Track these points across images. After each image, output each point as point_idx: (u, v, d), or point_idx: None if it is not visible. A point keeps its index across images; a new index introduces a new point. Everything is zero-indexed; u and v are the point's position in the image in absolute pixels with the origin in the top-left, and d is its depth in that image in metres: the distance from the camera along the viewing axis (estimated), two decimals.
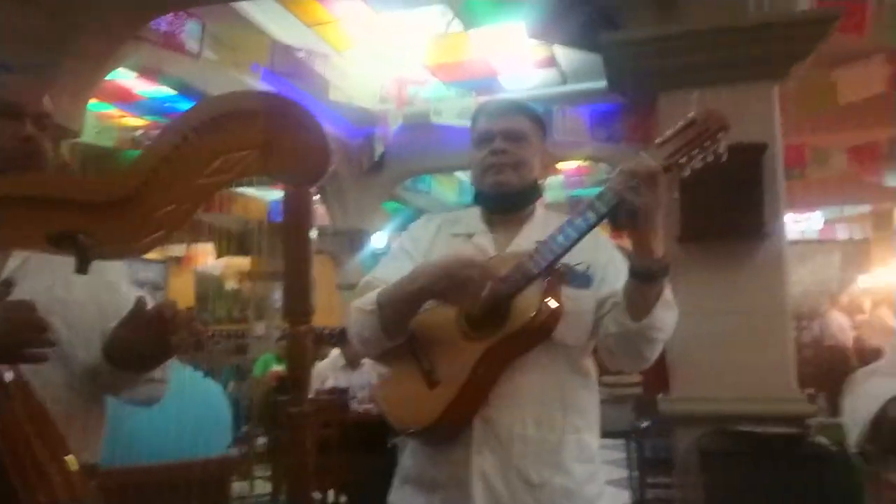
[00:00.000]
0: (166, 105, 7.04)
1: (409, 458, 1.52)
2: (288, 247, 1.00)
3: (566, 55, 6.71)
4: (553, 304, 1.37)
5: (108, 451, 1.38)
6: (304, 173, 0.99)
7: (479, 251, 1.51)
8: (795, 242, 13.88)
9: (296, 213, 0.99)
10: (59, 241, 0.97)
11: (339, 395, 4.21)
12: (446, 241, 1.59)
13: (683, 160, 1.32)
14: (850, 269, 14.03)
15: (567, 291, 1.40)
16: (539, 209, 1.62)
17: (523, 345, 1.39)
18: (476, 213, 1.62)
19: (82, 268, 0.99)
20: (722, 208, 3.13)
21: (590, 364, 1.53)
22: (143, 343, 1.16)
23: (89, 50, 4.68)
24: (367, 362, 5.38)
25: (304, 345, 0.98)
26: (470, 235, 1.58)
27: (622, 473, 4.90)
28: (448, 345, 1.40)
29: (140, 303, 1.17)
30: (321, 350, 8.18)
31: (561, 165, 9.29)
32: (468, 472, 1.39)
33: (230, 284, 13.01)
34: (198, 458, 2.23)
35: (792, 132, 6.16)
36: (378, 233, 10.39)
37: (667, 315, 1.39)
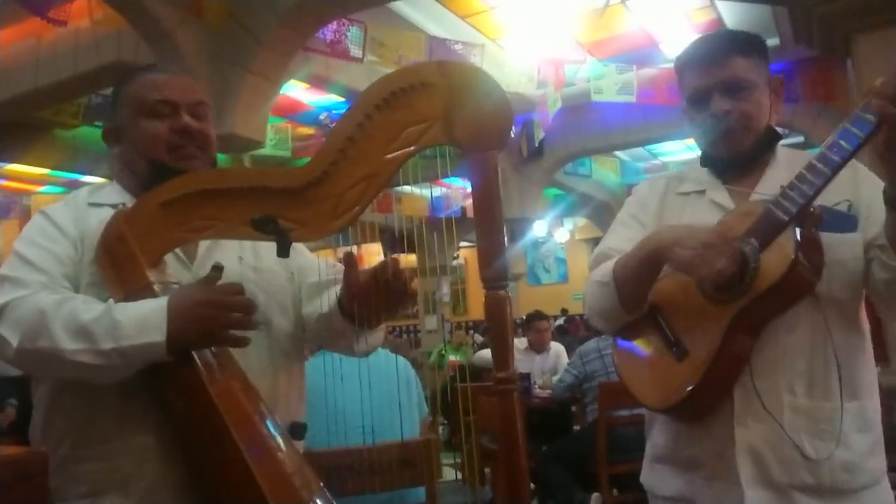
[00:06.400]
0: (334, 113, 7.43)
1: (660, 435, 1.39)
2: (479, 213, 0.98)
3: (732, 16, 6.30)
4: (810, 253, 1.18)
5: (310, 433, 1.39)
6: (487, 138, 0.98)
7: (716, 207, 1.34)
8: None
9: (483, 179, 0.98)
10: (262, 226, 1.03)
11: (521, 381, 4.20)
12: (677, 201, 1.42)
13: None
14: None
15: (827, 237, 1.20)
16: (779, 150, 1.38)
17: (780, 303, 1.22)
18: (702, 167, 1.43)
19: (283, 251, 1.04)
20: None
21: (863, 318, 1.32)
22: (375, 296, 1.18)
23: (264, 65, 5.03)
24: (553, 347, 5.30)
25: (503, 308, 0.97)
26: (702, 192, 1.40)
27: None
28: (693, 312, 1.26)
29: (387, 262, 1.19)
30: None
31: None
32: (732, 447, 1.24)
33: None
34: (402, 440, 2.27)
35: None
36: (539, 221, 10.29)
37: None
